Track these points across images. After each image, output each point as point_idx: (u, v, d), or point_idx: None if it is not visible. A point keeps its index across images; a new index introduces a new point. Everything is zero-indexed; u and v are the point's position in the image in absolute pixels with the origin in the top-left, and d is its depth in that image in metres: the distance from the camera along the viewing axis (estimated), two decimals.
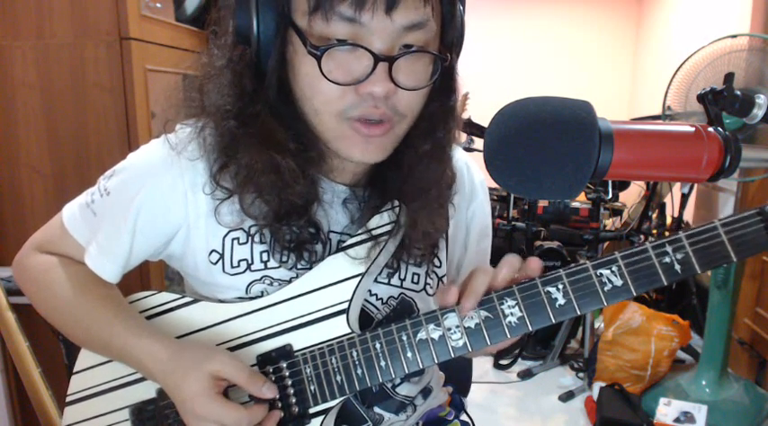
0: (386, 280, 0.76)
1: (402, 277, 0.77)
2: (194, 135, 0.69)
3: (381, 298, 0.75)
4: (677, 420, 1.93)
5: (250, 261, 0.71)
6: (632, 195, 3.54)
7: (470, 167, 0.86)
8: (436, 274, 0.81)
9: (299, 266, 0.71)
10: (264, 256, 0.71)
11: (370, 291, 0.75)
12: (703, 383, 2.12)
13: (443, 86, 0.67)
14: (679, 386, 2.17)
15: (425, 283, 0.78)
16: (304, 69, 0.61)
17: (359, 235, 0.69)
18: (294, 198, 0.66)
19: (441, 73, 0.64)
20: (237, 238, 0.71)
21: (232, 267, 0.71)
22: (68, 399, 0.76)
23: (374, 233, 0.69)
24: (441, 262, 0.81)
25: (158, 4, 1.63)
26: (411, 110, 0.65)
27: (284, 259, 0.70)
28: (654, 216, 3.15)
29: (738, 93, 0.61)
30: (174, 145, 0.69)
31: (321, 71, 0.58)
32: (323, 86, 0.60)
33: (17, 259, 0.80)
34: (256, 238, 0.71)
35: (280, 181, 0.65)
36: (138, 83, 1.53)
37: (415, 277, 0.78)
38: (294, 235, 0.68)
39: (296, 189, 0.66)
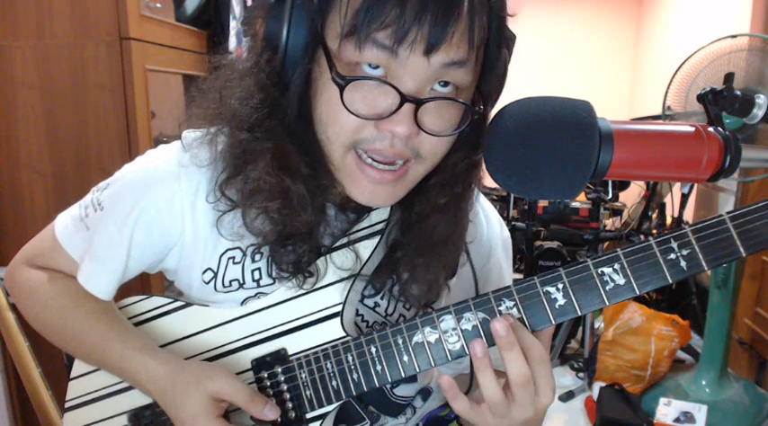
0: (371, 306, 0.74)
1: (389, 312, 0.74)
2: (207, 140, 0.66)
3: (367, 321, 0.74)
4: (677, 420, 1.93)
5: (242, 281, 0.70)
6: (632, 195, 3.54)
7: (491, 221, 0.80)
8: None
9: (296, 283, 0.67)
10: (256, 274, 0.69)
11: (356, 311, 0.73)
12: (703, 383, 2.12)
13: (471, 138, 0.62)
14: (679, 386, 2.17)
15: None
16: (326, 94, 0.57)
17: (350, 234, 0.67)
18: (299, 225, 0.63)
19: (470, 123, 0.59)
20: (233, 257, 0.69)
21: (224, 286, 0.70)
22: (67, 405, 0.76)
23: (367, 232, 0.67)
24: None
25: (158, 4, 1.63)
26: (434, 155, 0.60)
27: (281, 277, 0.67)
28: (654, 216, 3.15)
29: (738, 93, 0.61)
30: (188, 146, 0.67)
31: (342, 101, 0.55)
32: (342, 115, 0.56)
33: (8, 271, 0.78)
34: (249, 258, 0.69)
35: (288, 206, 0.62)
36: (138, 83, 1.53)
37: (402, 318, 0.74)
38: (294, 258, 0.65)
39: (302, 216, 0.63)
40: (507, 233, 0.83)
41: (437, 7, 0.52)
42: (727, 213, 0.52)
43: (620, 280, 0.55)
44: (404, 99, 0.54)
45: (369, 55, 0.53)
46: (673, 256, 0.54)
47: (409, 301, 0.71)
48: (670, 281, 0.54)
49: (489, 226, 0.80)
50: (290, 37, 0.57)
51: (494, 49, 0.59)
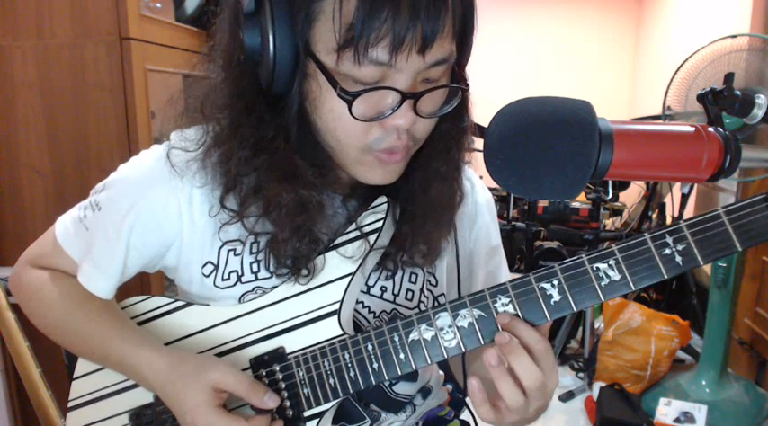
0: (379, 294, 0.75)
1: (396, 292, 0.75)
2: (198, 159, 0.67)
3: (374, 312, 0.74)
4: (677, 420, 1.92)
5: (240, 273, 0.70)
6: (632, 195, 3.54)
7: (475, 186, 0.83)
8: (432, 293, 0.79)
9: (293, 279, 0.69)
10: (255, 267, 0.70)
11: (362, 303, 0.74)
12: (703, 383, 2.12)
13: (457, 107, 0.64)
14: (679, 386, 2.17)
15: (419, 301, 0.77)
16: (328, 105, 0.59)
17: (348, 233, 0.68)
18: (311, 224, 0.65)
19: (458, 96, 0.62)
20: (234, 249, 0.70)
21: (223, 280, 0.70)
22: (69, 405, 0.76)
23: (364, 230, 0.67)
24: (437, 281, 0.79)
25: (158, 4, 1.62)
26: (425, 135, 0.64)
27: (279, 272, 0.68)
28: (654, 216, 3.15)
29: (738, 93, 0.61)
30: (178, 167, 0.68)
31: (351, 114, 0.57)
32: (349, 122, 0.58)
33: (12, 274, 0.79)
34: (247, 249, 0.70)
35: (309, 219, 0.65)
36: (138, 83, 1.53)
37: (410, 293, 0.76)
38: (294, 251, 0.66)
39: (319, 221, 0.66)
40: (489, 194, 0.86)
41: (428, 7, 0.53)
42: (723, 208, 0.52)
43: (616, 276, 0.55)
44: (404, 97, 0.56)
45: (366, 71, 0.55)
46: (668, 251, 0.54)
47: (416, 265, 0.73)
48: (666, 276, 0.54)
49: (473, 190, 0.82)
50: (278, 52, 0.57)
51: (467, 18, 0.61)
